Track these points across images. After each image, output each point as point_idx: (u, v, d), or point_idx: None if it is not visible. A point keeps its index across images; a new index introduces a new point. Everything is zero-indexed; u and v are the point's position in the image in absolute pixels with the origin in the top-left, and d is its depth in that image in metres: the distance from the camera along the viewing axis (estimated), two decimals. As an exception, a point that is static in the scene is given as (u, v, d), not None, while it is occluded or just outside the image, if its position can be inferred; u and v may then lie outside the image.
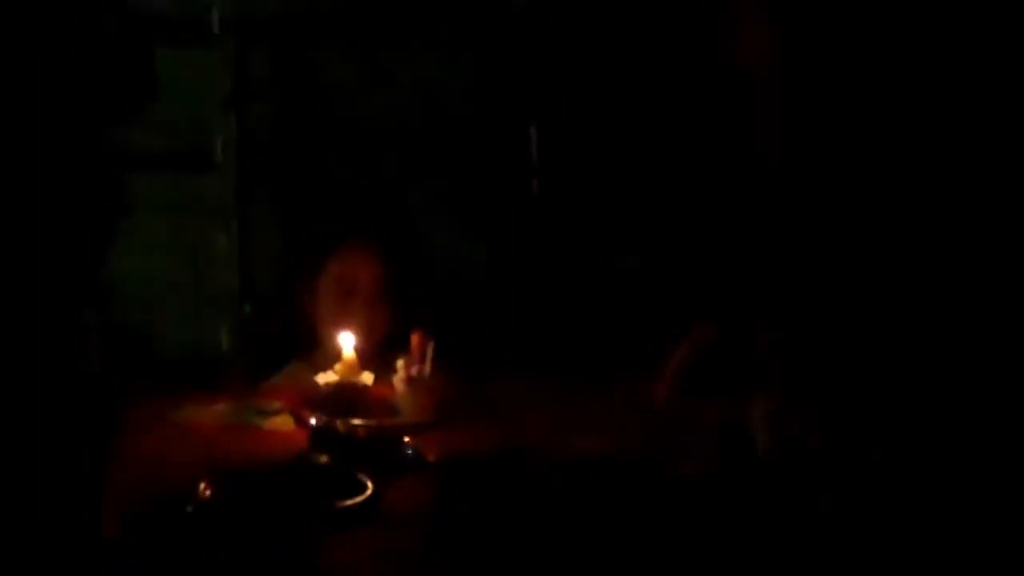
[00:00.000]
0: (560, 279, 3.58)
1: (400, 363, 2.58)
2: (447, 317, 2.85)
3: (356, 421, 2.42)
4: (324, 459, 2.17)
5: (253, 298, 3.54)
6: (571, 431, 2.44)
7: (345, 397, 2.51)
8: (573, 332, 3.48)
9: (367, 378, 2.57)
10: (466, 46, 3.60)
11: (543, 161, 3.59)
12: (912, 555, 1.64)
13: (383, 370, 2.62)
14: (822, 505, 1.73)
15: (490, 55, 3.60)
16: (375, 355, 2.71)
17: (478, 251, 3.62)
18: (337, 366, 2.56)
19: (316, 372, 2.62)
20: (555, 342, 3.48)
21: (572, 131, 3.59)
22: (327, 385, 2.54)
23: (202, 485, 2.00)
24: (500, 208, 3.63)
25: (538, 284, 3.59)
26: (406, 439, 2.33)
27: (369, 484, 2.05)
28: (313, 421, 2.36)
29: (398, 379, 2.58)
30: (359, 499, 2.01)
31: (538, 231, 3.60)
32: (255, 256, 3.57)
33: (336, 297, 2.91)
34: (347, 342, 2.59)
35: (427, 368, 2.57)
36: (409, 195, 3.59)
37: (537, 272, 3.60)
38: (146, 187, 3.53)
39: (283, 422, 2.52)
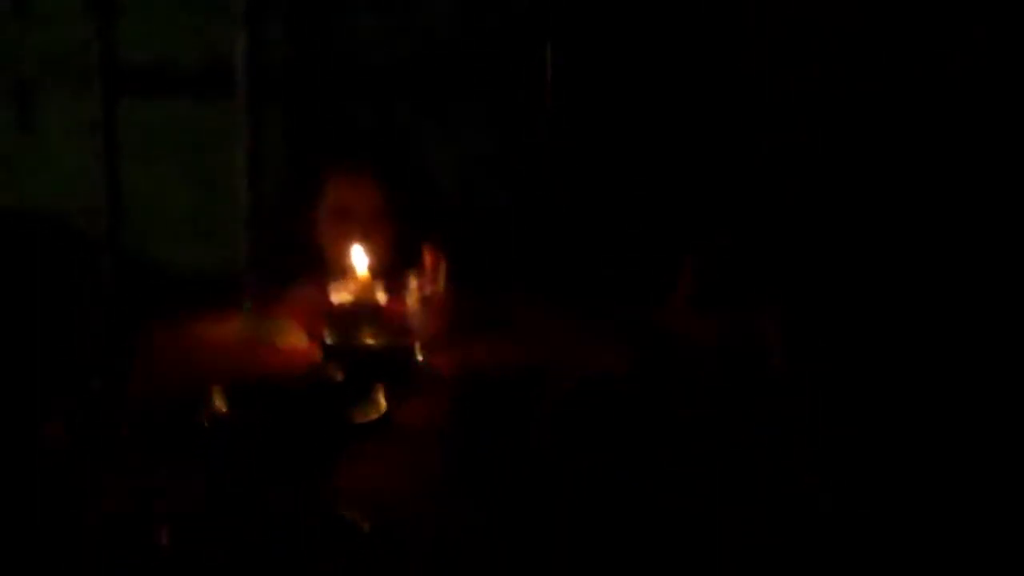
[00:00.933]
0: (575, 200, 3.57)
1: (412, 281, 2.58)
2: (462, 237, 2.85)
3: (369, 339, 2.43)
4: (338, 375, 2.18)
5: (264, 221, 3.53)
6: (586, 349, 2.44)
7: (359, 315, 2.51)
8: (588, 253, 3.48)
9: (380, 296, 2.57)
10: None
11: (557, 81, 3.57)
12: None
13: (396, 288, 2.62)
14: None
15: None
16: (381, 275, 2.70)
17: (493, 171, 3.61)
18: (351, 284, 2.56)
19: (324, 291, 2.62)
20: (570, 264, 3.48)
21: (588, 52, 3.56)
22: (341, 303, 2.54)
23: (216, 399, 2.01)
24: (515, 127, 3.61)
25: (554, 205, 3.59)
26: (419, 356, 2.33)
27: (383, 399, 2.06)
28: (327, 338, 2.37)
29: (411, 297, 2.57)
30: (373, 414, 2.02)
31: (552, 151, 3.59)
32: (267, 179, 3.57)
33: (332, 220, 2.90)
34: (360, 261, 2.58)
35: (440, 285, 2.57)
36: (424, 115, 3.58)
37: (553, 193, 3.59)
38: (160, 111, 3.53)
39: (297, 339, 2.53)
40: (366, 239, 2.69)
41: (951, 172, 2.67)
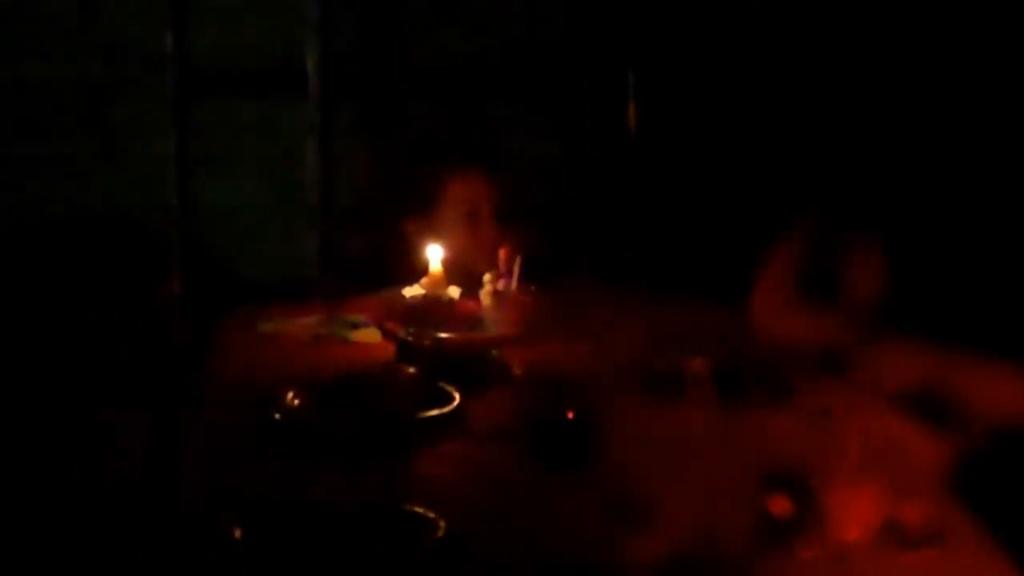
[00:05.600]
0: (657, 202, 3.53)
1: (487, 277, 2.57)
2: (538, 236, 2.83)
3: (442, 334, 2.41)
4: (411, 371, 2.16)
5: (336, 219, 3.54)
6: (661, 347, 2.40)
7: (432, 310, 2.50)
8: (667, 250, 3.44)
9: (453, 292, 2.56)
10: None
11: (639, 90, 3.53)
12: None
13: (470, 284, 2.60)
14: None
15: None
16: (456, 271, 2.69)
17: (574, 170, 3.59)
18: (423, 280, 2.55)
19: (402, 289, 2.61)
20: (648, 262, 3.44)
21: (671, 67, 3.53)
22: (414, 298, 2.53)
23: (290, 394, 2.00)
24: (600, 126, 3.58)
25: (635, 206, 3.55)
26: (492, 352, 2.31)
27: (456, 395, 2.04)
28: (400, 334, 2.35)
29: (485, 293, 2.56)
30: (445, 409, 2.00)
31: (637, 154, 3.55)
32: (340, 178, 3.57)
33: (459, 219, 2.90)
34: (434, 256, 2.57)
35: (514, 282, 2.55)
36: (508, 116, 3.57)
37: (635, 194, 3.56)
38: (234, 110, 3.54)
39: (370, 335, 2.52)
40: (478, 240, 2.69)
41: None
